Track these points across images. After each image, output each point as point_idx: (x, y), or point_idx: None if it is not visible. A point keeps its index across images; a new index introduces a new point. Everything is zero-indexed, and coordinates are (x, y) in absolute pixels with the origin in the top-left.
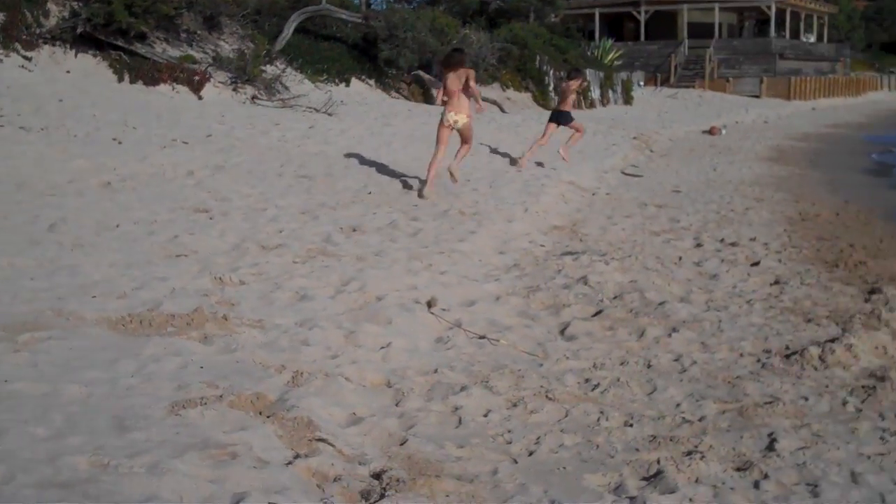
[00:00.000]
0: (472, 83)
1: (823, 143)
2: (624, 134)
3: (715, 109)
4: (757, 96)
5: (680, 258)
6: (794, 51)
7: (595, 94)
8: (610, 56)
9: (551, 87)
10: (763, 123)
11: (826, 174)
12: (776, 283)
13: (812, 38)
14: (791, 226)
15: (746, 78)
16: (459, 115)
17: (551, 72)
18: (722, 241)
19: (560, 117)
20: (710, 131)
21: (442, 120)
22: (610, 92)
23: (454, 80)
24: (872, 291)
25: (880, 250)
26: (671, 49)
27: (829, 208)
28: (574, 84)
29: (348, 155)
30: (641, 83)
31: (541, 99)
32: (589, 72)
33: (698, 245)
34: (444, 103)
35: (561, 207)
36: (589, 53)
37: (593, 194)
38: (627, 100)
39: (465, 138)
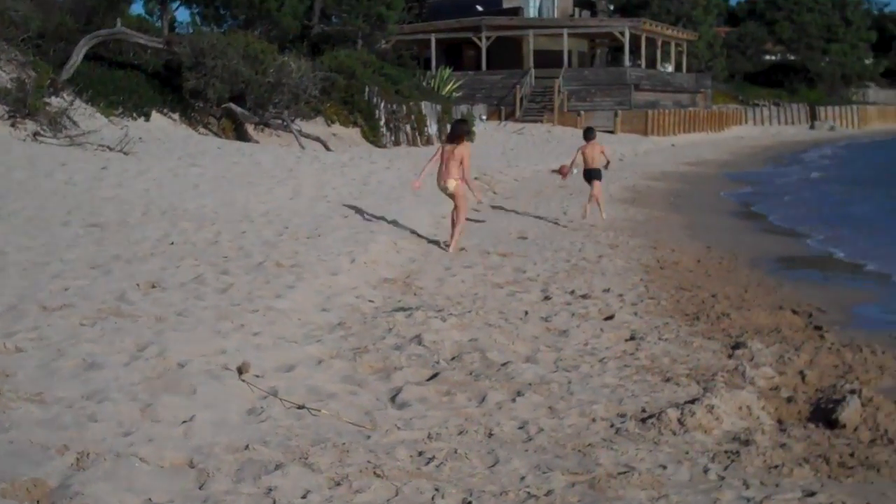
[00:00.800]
0: (466, 162)
1: (683, 182)
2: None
3: (565, 146)
4: (611, 132)
5: (526, 313)
6: (651, 81)
7: (432, 129)
8: (448, 87)
9: (382, 122)
10: (618, 161)
11: (686, 217)
12: (632, 338)
13: (670, 68)
14: (648, 275)
15: (599, 111)
16: (449, 181)
17: (382, 104)
18: (572, 292)
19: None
20: (560, 171)
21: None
22: (448, 127)
23: (449, 151)
24: (736, 346)
25: (745, 301)
26: (516, 79)
27: (689, 255)
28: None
29: (147, 200)
30: (484, 117)
31: (371, 135)
32: (425, 105)
33: (546, 298)
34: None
35: (393, 257)
36: (425, 84)
37: (429, 242)
38: (469, 136)
39: (458, 205)
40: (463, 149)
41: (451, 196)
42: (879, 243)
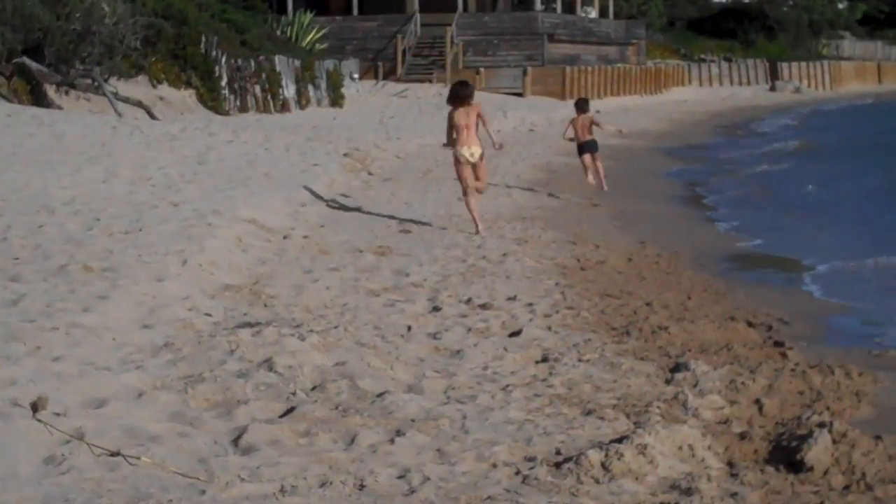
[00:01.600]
0: (485, 118)
1: (611, 159)
2: (331, 149)
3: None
4: (520, 94)
5: (408, 328)
6: (570, 30)
7: (288, 90)
8: (310, 36)
9: (224, 83)
10: (528, 132)
11: (614, 204)
12: (544, 360)
13: (594, 13)
14: (566, 278)
15: (504, 68)
16: (473, 147)
17: (224, 59)
18: (468, 301)
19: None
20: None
21: (457, 158)
22: (310, 88)
23: (462, 114)
24: (676, 369)
25: (687, 310)
26: (397, 27)
27: (618, 252)
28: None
29: None
30: (356, 76)
31: (209, 99)
32: (279, 59)
33: (435, 309)
34: (453, 141)
35: (237, 258)
36: (279, 32)
37: (285, 237)
38: (336, 100)
39: (479, 175)
40: (474, 110)
41: (474, 164)
42: (858, 238)
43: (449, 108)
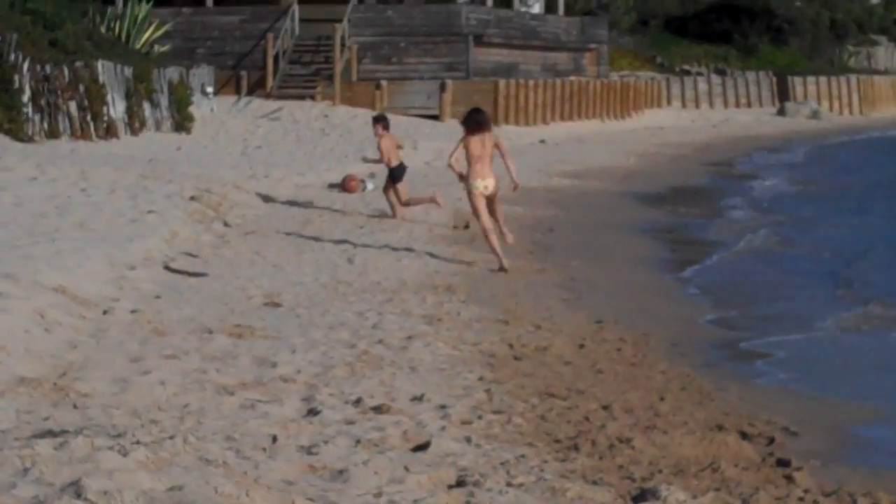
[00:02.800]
0: (504, 149)
1: (558, 207)
2: (173, 191)
3: (355, 142)
4: (436, 116)
5: (274, 439)
6: (505, 30)
7: (116, 109)
8: (146, 35)
9: (27, 98)
10: (445, 170)
11: (563, 267)
12: (460, 484)
13: (537, 7)
14: (493, 371)
15: (415, 82)
16: (488, 179)
17: (26, 66)
18: (358, 402)
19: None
20: (345, 185)
21: (471, 190)
22: (146, 106)
23: (478, 143)
24: (641, 497)
25: (659, 416)
26: (268, 24)
27: (566, 335)
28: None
29: None
30: (210, 90)
31: (5, 119)
32: (104, 67)
33: (312, 412)
34: (465, 173)
35: (37, 341)
36: (105, 30)
37: (105, 312)
38: (182, 122)
39: (494, 208)
40: (491, 138)
41: (490, 198)
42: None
43: (463, 132)
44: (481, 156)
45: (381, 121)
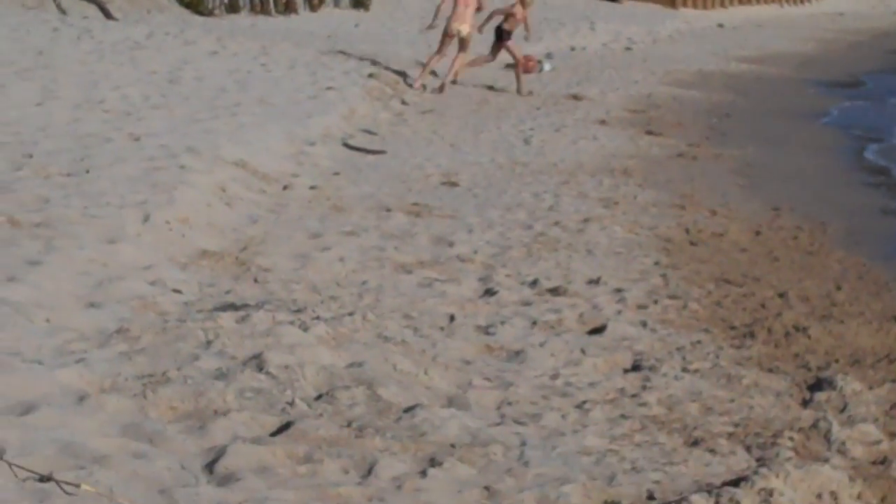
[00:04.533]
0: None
1: (736, 93)
2: (351, 67)
3: (533, 22)
4: None
5: (451, 318)
6: None
7: None
8: None
9: None
10: (624, 52)
11: (739, 153)
12: (635, 368)
13: None
14: (669, 256)
15: None
16: (463, 25)
17: None
18: (535, 284)
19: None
20: (523, 65)
21: (446, 29)
22: None
23: None
24: (817, 386)
25: (835, 306)
26: None
27: (742, 222)
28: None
29: None
30: None
31: None
32: None
33: (488, 292)
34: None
35: (219, 214)
36: None
37: (285, 188)
38: None
39: (463, 47)
40: None
41: (461, 42)
42: None
43: None
44: (462, 2)
45: None
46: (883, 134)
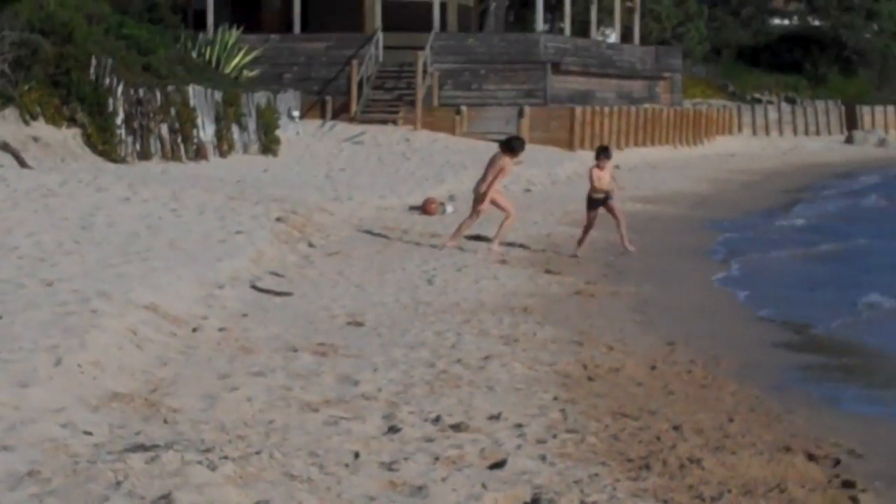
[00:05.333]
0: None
1: (632, 231)
2: (259, 212)
3: (435, 166)
4: None
5: (356, 456)
6: (582, 59)
7: (206, 133)
8: (236, 61)
9: (121, 120)
10: (524, 193)
11: (636, 291)
12: (534, 502)
13: (613, 37)
14: (567, 392)
15: (494, 108)
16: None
17: (120, 89)
18: (437, 421)
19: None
20: (425, 208)
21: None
22: (235, 130)
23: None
24: None
25: (728, 438)
26: (352, 51)
27: (638, 357)
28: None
29: None
30: (296, 114)
31: (100, 141)
32: (195, 91)
33: (392, 429)
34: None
35: (129, 357)
36: (196, 55)
37: (194, 330)
38: (269, 146)
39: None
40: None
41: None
42: None
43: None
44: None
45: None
46: (772, 268)
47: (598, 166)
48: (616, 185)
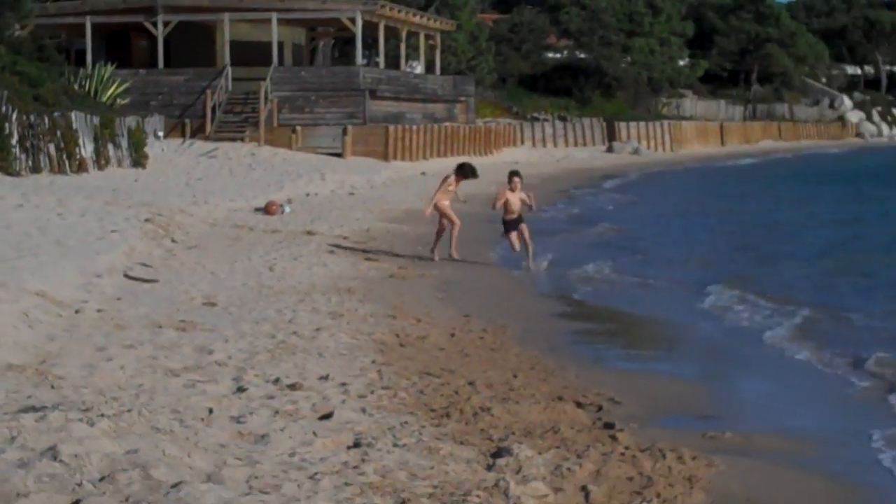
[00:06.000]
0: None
1: (436, 225)
2: (131, 214)
3: (276, 175)
4: (339, 154)
5: (210, 411)
6: (393, 86)
7: (86, 149)
8: (111, 91)
9: (15, 140)
10: (348, 196)
11: (439, 274)
12: (356, 445)
13: (419, 68)
14: (383, 356)
15: (322, 127)
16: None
17: (14, 115)
18: (276, 381)
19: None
20: (267, 209)
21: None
22: (110, 147)
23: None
24: (498, 454)
25: (512, 390)
26: (206, 82)
27: (440, 327)
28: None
29: None
30: (161, 134)
31: None
32: (76, 116)
33: (240, 389)
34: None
35: (22, 335)
36: (77, 86)
37: (77, 311)
38: (138, 160)
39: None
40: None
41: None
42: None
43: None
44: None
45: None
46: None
47: (510, 188)
48: (529, 203)
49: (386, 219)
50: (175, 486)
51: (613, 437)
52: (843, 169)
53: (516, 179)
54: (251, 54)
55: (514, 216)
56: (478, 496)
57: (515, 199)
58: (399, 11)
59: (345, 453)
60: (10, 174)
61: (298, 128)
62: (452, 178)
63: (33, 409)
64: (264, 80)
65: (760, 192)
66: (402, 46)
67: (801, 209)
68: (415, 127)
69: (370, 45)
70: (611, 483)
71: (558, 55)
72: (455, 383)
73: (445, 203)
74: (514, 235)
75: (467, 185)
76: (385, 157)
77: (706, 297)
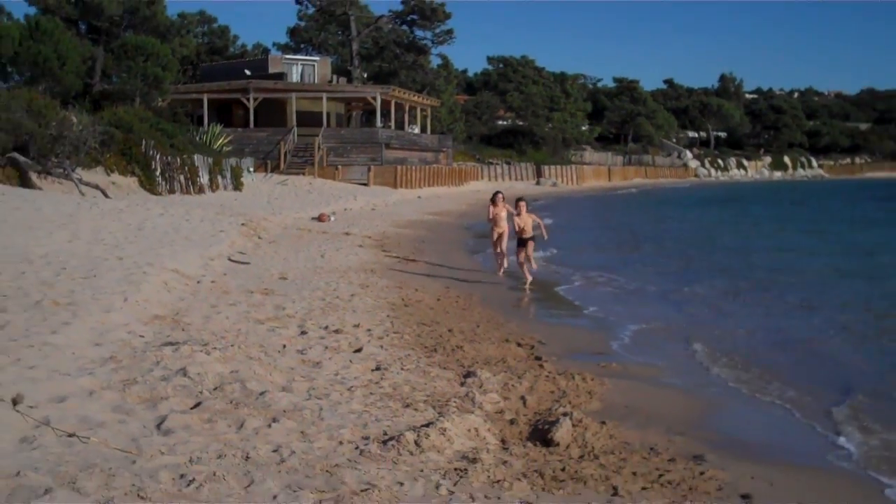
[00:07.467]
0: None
1: (428, 230)
2: (232, 220)
3: (325, 197)
4: (365, 184)
5: (284, 346)
6: (400, 141)
7: (203, 179)
8: (219, 142)
9: (158, 172)
10: (371, 210)
11: (430, 260)
12: (377, 369)
13: (416, 129)
14: (394, 312)
15: (355, 166)
16: (500, 228)
17: (158, 156)
18: (326, 328)
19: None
20: (320, 218)
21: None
22: (219, 177)
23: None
24: (468, 375)
25: (476, 335)
26: (281, 136)
27: (430, 294)
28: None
29: None
30: (251, 169)
31: (147, 183)
32: (197, 157)
33: (303, 333)
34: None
35: (163, 296)
36: (198, 139)
37: (198, 282)
38: (237, 185)
39: (503, 245)
40: (506, 208)
41: (501, 235)
42: (604, 294)
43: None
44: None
45: (520, 200)
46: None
47: (517, 214)
48: (537, 225)
49: (396, 225)
50: (262, 393)
51: (541, 365)
52: (687, 196)
53: (522, 203)
54: (309, 120)
55: (522, 235)
56: (455, 402)
57: (527, 220)
58: (404, 93)
59: (370, 374)
60: (154, 195)
61: (339, 167)
62: (490, 208)
63: (170, 343)
64: (318, 136)
65: (634, 210)
66: (406, 116)
67: (657, 219)
68: (414, 167)
69: (385, 114)
70: (539, 394)
71: (505, 122)
72: (440, 330)
73: (499, 232)
74: (520, 252)
75: (447, 202)
76: (395, 186)
77: (591, 271)
